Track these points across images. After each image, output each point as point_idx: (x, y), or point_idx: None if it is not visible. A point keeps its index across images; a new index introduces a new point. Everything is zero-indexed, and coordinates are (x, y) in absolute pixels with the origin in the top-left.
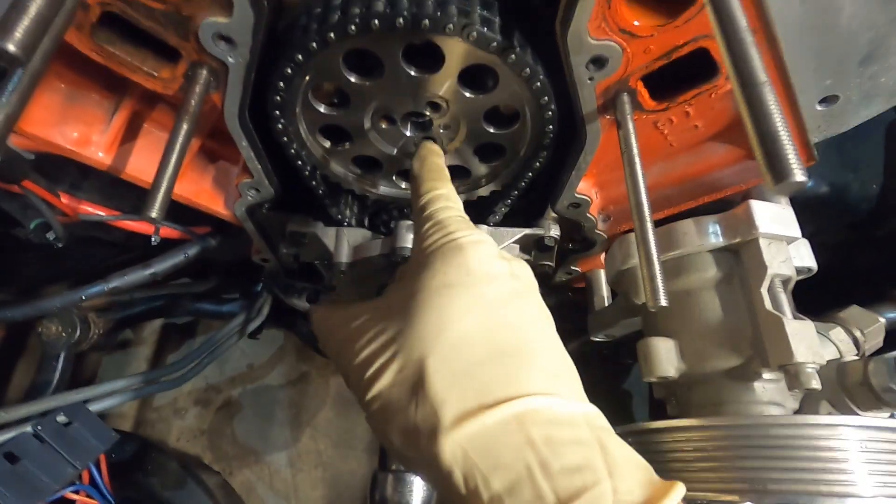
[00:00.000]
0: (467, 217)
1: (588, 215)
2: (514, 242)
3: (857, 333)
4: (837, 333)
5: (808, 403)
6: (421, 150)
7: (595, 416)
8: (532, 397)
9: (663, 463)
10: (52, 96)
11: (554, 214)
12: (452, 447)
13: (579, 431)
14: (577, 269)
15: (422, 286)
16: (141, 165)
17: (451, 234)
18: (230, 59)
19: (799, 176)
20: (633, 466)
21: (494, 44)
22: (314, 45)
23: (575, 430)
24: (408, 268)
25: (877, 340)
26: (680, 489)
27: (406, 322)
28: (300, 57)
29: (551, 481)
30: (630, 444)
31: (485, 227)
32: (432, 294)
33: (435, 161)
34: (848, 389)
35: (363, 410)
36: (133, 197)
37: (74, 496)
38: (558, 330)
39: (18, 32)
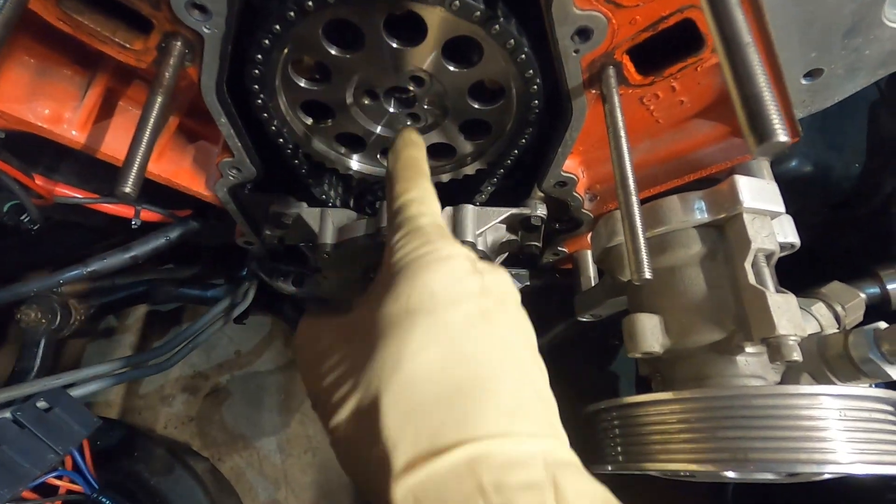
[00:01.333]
0: (443, 224)
1: (574, 194)
2: (500, 222)
3: (838, 308)
4: (819, 308)
5: (789, 376)
6: (396, 141)
7: (553, 451)
8: (485, 441)
9: (647, 436)
10: (21, 71)
11: (541, 194)
12: (403, 493)
13: (533, 473)
14: (563, 249)
15: (385, 311)
16: (117, 144)
17: (418, 248)
18: (205, 30)
19: (781, 136)
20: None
21: (478, 13)
22: (292, 14)
23: (529, 472)
24: (377, 283)
25: (857, 315)
26: None
27: (366, 352)
28: (278, 27)
29: None
30: (614, 418)
31: (470, 206)
32: (393, 322)
33: (411, 155)
34: (828, 362)
35: (328, 435)
36: (112, 180)
37: (57, 481)
38: (546, 312)
39: None
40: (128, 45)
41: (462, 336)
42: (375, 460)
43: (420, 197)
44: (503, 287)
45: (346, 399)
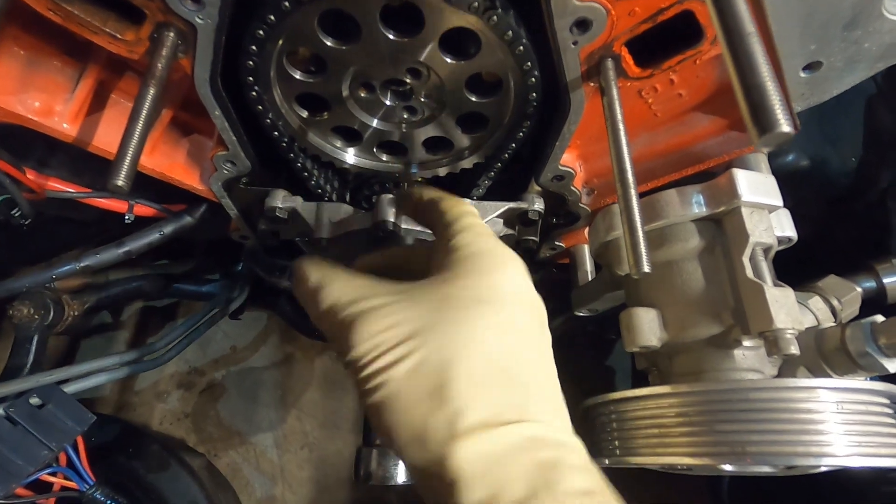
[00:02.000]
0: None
1: (572, 188)
2: (497, 216)
3: (835, 302)
4: (816, 302)
5: (786, 370)
6: (414, 189)
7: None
8: (541, 424)
9: (644, 430)
10: (10, 62)
11: (538, 188)
12: (466, 454)
13: (584, 457)
14: (560, 244)
15: (455, 294)
16: (109, 137)
17: (486, 241)
18: (198, 20)
19: (785, 126)
20: None
21: (475, 4)
22: (287, 4)
23: (580, 455)
24: (440, 265)
25: (853, 309)
26: None
27: (435, 322)
28: (272, 18)
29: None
30: (612, 412)
31: (468, 200)
32: (464, 305)
33: (437, 191)
34: (825, 355)
35: (359, 391)
36: (105, 174)
37: (52, 478)
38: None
39: None
40: (119, 36)
41: (522, 335)
42: (436, 421)
43: (472, 211)
44: (543, 307)
45: (404, 358)
